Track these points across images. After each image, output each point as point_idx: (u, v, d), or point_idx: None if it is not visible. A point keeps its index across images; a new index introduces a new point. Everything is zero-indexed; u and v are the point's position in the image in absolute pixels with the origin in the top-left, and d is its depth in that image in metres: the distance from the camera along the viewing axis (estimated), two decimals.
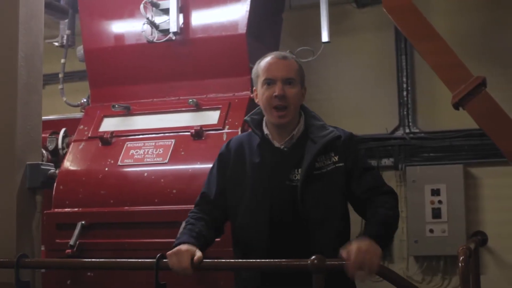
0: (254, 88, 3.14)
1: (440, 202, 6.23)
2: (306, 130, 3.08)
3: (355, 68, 6.79)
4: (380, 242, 2.69)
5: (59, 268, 4.21)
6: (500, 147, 4.81)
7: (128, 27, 5.10)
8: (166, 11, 4.92)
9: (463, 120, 6.02)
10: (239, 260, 2.95)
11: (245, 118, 3.18)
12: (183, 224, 3.08)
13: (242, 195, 3.05)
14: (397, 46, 6.67)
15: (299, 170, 2.97)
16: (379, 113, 6.62)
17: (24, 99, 3.21)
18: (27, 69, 3.23)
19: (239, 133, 4.51)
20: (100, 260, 3.29)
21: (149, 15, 4.89)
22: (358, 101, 6.65)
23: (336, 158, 3.01)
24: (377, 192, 2.97)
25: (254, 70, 3.13)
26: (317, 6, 5.65)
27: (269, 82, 3.02)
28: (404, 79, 6.64)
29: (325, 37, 5.31)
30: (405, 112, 6.61)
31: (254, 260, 2.86)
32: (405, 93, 6.63)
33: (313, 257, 2.62)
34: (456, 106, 4.86)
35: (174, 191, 4.39)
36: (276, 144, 3.06)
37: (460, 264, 3.23)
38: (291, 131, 3.06)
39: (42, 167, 3.28)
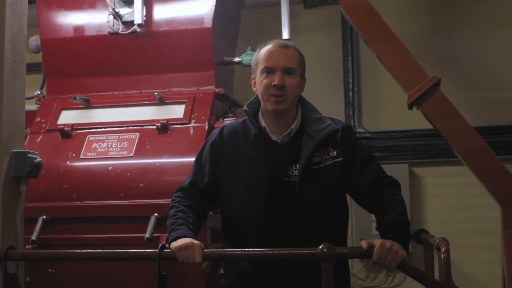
0: (252, 76, 3.04)
1: None
2: (302, 123, 2.99)
3: None
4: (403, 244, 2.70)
5: (52, 260, 4.05)
6: (453, 146, 4.95)
7: (89, 18, 4.98)
8: (128, 3, 4.85)
9: (407, 121, 6.26)
10: (245, 250, 2.85)
11: (244, 108, 3.07)
12: (172, 210, 2.94)
13: (236, 189, 2.94)
14: (344, 47, 6.76)
15: (297, 165, 2.90)
16: (325, 113, 6.55)
17: (9, 83, 3.07)
18: (12, 52, 3.09)
19: (206, 127, 4.48)
20: (99, 251, 3.17)
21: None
22: None
23: (335, 152, 2.94)
24: (381, 184, 2.93)
25: (253, 58, 3.03)
26: (270, 5, 5.67)
27: (268, 70, 2.93)
28: (350, 80, 6.72)
29: (285, 35, 5.36)
30: (351, 112, 6.71)
31: (263, 250, 2.79)
32: (351, 93, 6.71)
33: (322, 245, 2.63)
34: (411, 105, 4.98)
35: (141, 185, 4.31)
36: (273, 138, 2.97)
37: (442, 256, 3.29)
38: (289, 123, 2.97)
39: (29, 155, 3.13)
